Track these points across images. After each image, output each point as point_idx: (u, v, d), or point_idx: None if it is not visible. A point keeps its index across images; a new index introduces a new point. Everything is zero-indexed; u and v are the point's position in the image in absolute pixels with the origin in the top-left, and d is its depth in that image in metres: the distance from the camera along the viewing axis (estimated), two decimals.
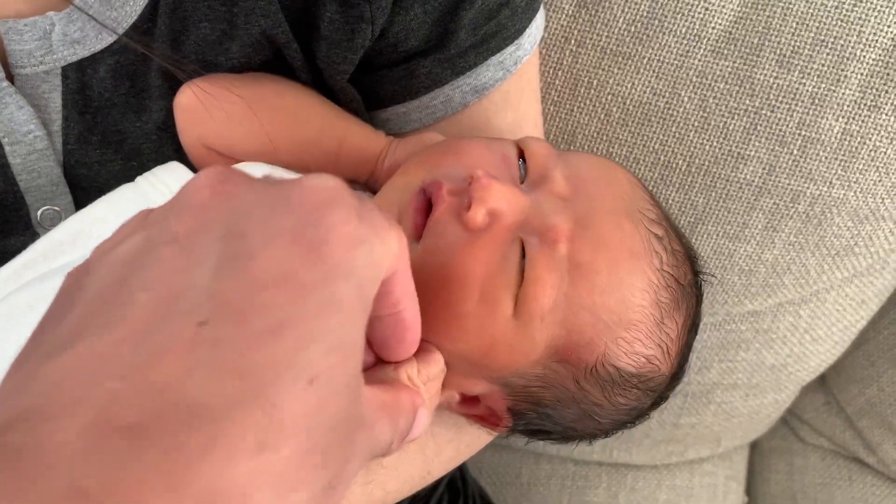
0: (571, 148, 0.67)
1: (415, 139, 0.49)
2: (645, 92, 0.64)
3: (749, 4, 0.63)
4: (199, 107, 0.45)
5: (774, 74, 0.63)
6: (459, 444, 0.53)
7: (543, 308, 0.41)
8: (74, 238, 0.44)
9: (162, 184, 0.45)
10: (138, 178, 0.46)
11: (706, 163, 0.66)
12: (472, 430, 0.53)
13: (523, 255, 0.42)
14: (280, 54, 0.47)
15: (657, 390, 0.47)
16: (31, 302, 0.42)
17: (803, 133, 0.64)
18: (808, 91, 0.63)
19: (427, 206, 0.43)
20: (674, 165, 0.66)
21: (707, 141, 0.65)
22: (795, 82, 0.63)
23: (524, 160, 0.46)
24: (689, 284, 0.47)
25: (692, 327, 0.48)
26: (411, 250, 0.41)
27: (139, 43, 0.43)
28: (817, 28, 0.62)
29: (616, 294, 0.42)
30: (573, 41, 0.64)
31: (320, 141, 0.48)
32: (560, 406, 0.45)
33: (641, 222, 0.44)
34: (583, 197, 0.44)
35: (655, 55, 0.63)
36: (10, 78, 0.43)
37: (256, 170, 0.46)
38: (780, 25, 0.62)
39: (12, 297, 0.43)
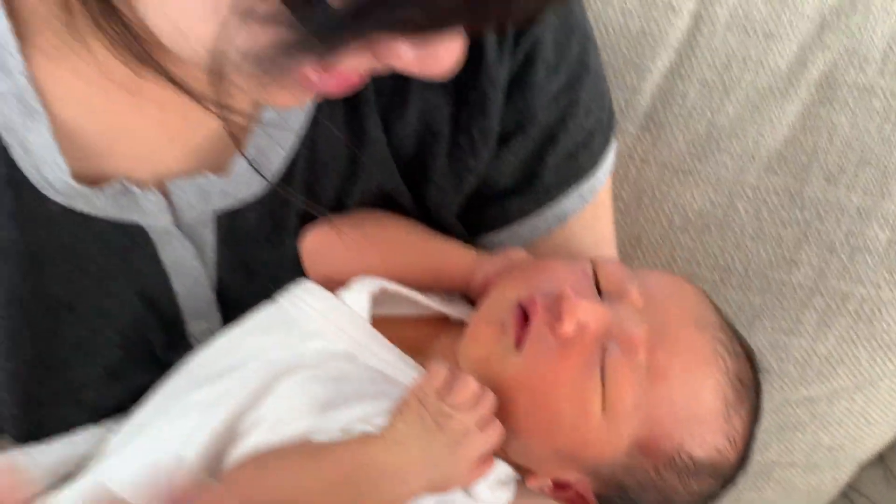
0: (637, 251, 0.74)
1: (502, 256, 0.57)
2: (704, 203, 0.72)
3: (798, 127, 0.70)
4: (321, 248, 0.54)
5: (823, 189, 0.70)
6: None
7: (627, 407, 0.49)
8: (228, 351, 0.53)
9: (298, 299, 0.54)
10: (277, 296, 0.54)
11: (761, 266, 0.72)
12: None
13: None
14: (392, 199, 0.56)
15: (726, 476, 0.53)
16: (160, 441, 0.50)
17: (851, 242, 0.70)
18: (854, 204, 0.69)
19: (525, 318, 0.50)
20: (732, 269, 0.73)
21: (762, 247, 0.72)
22: (843, 197, 0.69)
23: (599, 277, 0.53)
24: (749, 381, 0.53)
25: (754, 418, 0.54)
26: (513, 358, 0.49)
27: (289, 194, 0.52)
28: (861, 149, 0.68)
29: (690, 394, 0.50)
30: (637, 158, 0.72)
31: (421, 263, 0.56)
32: (641, 491, 0.52)
33: (708, 330, 0.52)
34: (657, 309, 0.51)
35: (713, 171, 0.71)
36: (176, 222, 0.52)
37: (374, 283, 0.54)
38: (828, 146, 0.69)
39: (148, 430, 0.51)
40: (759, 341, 0.75)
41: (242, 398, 0.49)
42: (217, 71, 0.36)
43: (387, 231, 0.56)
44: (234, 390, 0.49)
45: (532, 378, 0.49)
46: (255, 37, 0.34)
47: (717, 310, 0.54)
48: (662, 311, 0.51)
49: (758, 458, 0.86)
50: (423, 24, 0.32)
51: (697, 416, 0.50)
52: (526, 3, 0.31)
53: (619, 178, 0.73)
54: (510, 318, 0.50)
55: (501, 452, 0.53)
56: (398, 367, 0.51)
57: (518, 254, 0.57)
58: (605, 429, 0.49)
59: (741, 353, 0.53)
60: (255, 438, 0.48)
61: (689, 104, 0.70)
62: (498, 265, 0.56)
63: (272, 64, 0.34)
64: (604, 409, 0.49)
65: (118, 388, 0.54)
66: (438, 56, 0.37)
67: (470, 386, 0.46)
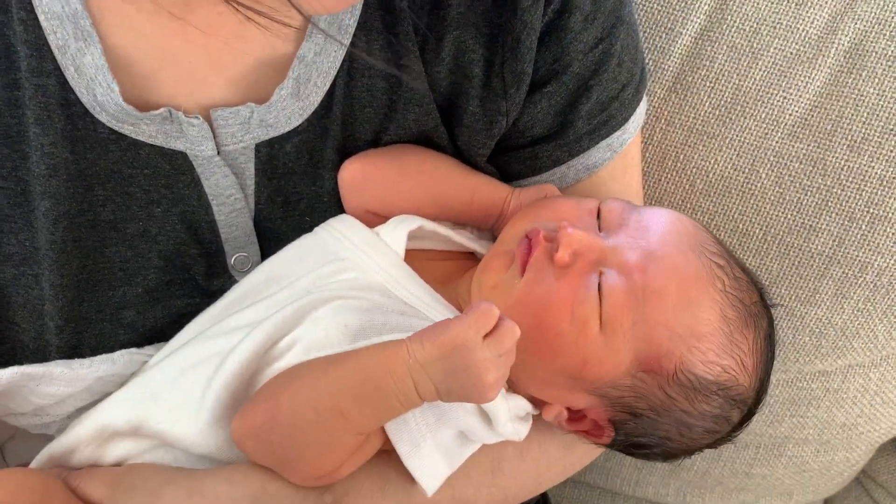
0: None
1: (534, 189, 0.60)
2: (726, 167, 0.73)
3: (824, 94, 0.70)
4: (360, 179, 0.57)
5: (845, 157, 0.70)
6: (566, 462, 0.62)
7: (624, 325, 0.52)
8: (268, 279, 0.55)
9: (336, 231, 0.56)
10: (316, 228, 0.57)
11: (780, 233, 0.73)
12: (578, 451, 0.62)
13: None
14: (428, 137, 0.58)
15: (740, 400, 0.55)
16: (201, 358, 0.53)
17: (871, 211, 0.71)
18: (876, 173, 0.70)
19: (531, 249, 0.53)
20: (751, 233, 0.74)
21: (782, 213, 0.73)
22: (865, 165, 0.70)
23: (602, 213, 0.56)
24: (754, 304, 0.55)
25: (767, 345, 0.56)
26: (518, 285, 0.52)
27: (365, 52, 0.53)
28: (887, 118, 0.69)
29: (685, 311, 0.52)
30: (663, 120, 0.73)
31: (455, 195, 0.59)
32: (653, 414, 0.54)
33: (703, 254, 0.54)
34: (653, 237, 0.54)
35: (737, 136, 0.72)
36: (218, 151, 0.55)
37: (412, 222, 0.56)
38: (853, 114, 0.70)
39: (189, 348, 0.54)
40: (775, 310, 0.76)
41: (278, 324, 0.52)
42: None
43: (424, 163, 0.58)
44: (271, 316, 0.52)
45: (534, 301, 0.52)
46: None
47: (718, 241, 0.57)
48: (658, 237, 0.54)
49: (770, 431, 0.88)
50: None
51: (694, 331, 0.52)
52: None
53: (644, 138, 0.74)
54: (517, 248, 0.54)
55: (516, 384, 0.55)
56: (427, 302, 0.54)
57: (551, 189, 0.60)
58: (604, 346, 0.52)
59: (744, 278, 0.55)
60: (288, 361, 0.51)
61: (716, 68, 0.71)
62: (532, 197, 0.59)
63: None
64: (601, 326, 0.52)
65: (157, 311, 0.57)
66: None
67: (514, 335, 0.46)
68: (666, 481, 0.94)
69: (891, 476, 0.99)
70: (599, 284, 0.52)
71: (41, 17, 0.49)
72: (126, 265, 0.56)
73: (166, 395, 0.53)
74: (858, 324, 0.76)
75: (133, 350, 0.57)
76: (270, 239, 0.58)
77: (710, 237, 0.56)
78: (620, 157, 0.62)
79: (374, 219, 0.58)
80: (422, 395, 0.47)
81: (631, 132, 0.62)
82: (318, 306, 0.52)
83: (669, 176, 0.74)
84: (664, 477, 0.93)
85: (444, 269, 0.59)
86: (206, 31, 0.52)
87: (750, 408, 0.56)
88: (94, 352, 0.56)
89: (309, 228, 0.58)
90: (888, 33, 0.69)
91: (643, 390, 0.53)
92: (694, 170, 0.73)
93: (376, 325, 0.51)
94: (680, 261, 0.53)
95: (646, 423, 0.54)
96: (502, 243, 0.56)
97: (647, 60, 0.71)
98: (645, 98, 0.63)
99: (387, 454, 0.52)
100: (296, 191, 0.57)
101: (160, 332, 0.58)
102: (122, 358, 0.56)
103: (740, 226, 0.74)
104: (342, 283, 0.54)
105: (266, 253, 0.58)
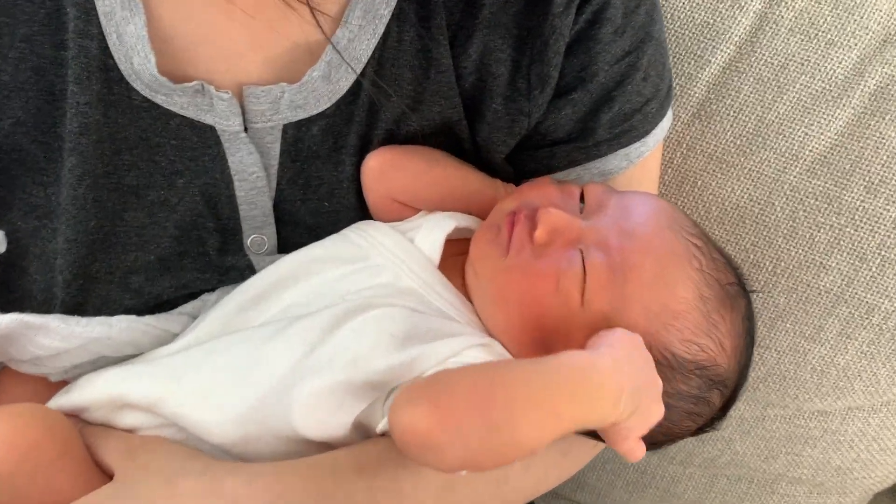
0: None
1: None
2: (742, 197, 0.73)
3: (845, 134, 0.71)
4: (387, 168, 0.58)
5: (861, 198, 0.71)
6: (562, 468, 0.63)
7: (602, 301, 0.52)
8: (296, 274, 0.56)
9: (369, 235, 0.57)
10: (345, 230, 0.58)
11: (790, 267, 0.73)
12: (573, 455, 0.63)
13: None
14: (450, 129, 0.59)
15: (719, 381, 0.55)
16: (232, 350, 0.53)
17: (883, 253, 0.71)
18: (891, 216, 0.70)
19: (514, 224, 0.55)
20: (761, 265, 0.74)
21: (793, 248, 0.73)
22: (880, 207, 0.70)
23: (584, 197, 0.58)
24: (731, 285, 0.56)
25: (746, 328, 0.57)
26: (501, 262, 0.54)
27: (375, 87, 0.55)
28: None
29: (662, 288, 0.53)
30: (685, 145, 0.74)
31: (478, 194, 0.60)
32: None
33: (680, 233, 0.55)
34: (632, 217, 0.55)
35: (755, 167, 0.72)
36: (246, 128, 0.56)
37: (446, 225, 0.57)
38: (872, 156, 0.70)
39: (222, 339, 0.54)
40: (778, 344, 0.77)
41: (315, 331, 0.52)
42: None
43: (451, 159, 0.60)
44: (302, 319, 0.52)
45: (518, 275, 0.53)
46: None
47: (697, 224, 0.58)
48: (636, 217, 0.55)
49: (764, 466, 0.88)
50: None
51: (670, 308, 0.53)
52: None
53: (664, 161, 0.75)
54: (503, 224, 0.55)
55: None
56: (460, 310, 0.55)
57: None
58: (584, 319, 0.53)
59: (721, 260, 0.56)
60: (330, 375, 0.50)
61: (741, 98, 0.72)
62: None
63: None
64: (583, 301, 0.52)
65: (166, 280, 0.58)
66: None
67: None
68: None
69: None
70: (584, 262, 0.53)
71: None
72: (142, 231, 0.57)
73: (192, 378, 0.53)
74: (861, 366, 0.76)
75: (132, 318, 0.57)
76: (288, 223, 0.59)
77: (688, 220, 0.57)
78: (638, 168, 0.62)
79: (397, 208, 0.59)
80: (622, 392, 0.46)
81: (650, 145, 0.62)
82: (354, 315, 0.52)
83: (686, 200, 0.75)
84: (654, 501, 0.93)
85: (461, 256, 0.60)
86: (249, 13, 0.53)
87: (731, 391, 0.57)
88: (98, 312, 0.57)
89: (326, 213, 0.59)
90: None
91: None
92: (710, 196, 0.74)
93: (420, 332, 0.51)
94: (656, 239, 0.54)
95: None
96: (489, 221, 0.58)
97: (674, 84, 0.72)
98: (670, 115, 0.64)
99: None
100: (317, 175, 0.58)
101: (165, 302, 0.58)
102: (119, 323, 0.56)
103: (751, 256, 0.74)
104: (377, 290, 0.54)
105: (282, 237, 0.59)
